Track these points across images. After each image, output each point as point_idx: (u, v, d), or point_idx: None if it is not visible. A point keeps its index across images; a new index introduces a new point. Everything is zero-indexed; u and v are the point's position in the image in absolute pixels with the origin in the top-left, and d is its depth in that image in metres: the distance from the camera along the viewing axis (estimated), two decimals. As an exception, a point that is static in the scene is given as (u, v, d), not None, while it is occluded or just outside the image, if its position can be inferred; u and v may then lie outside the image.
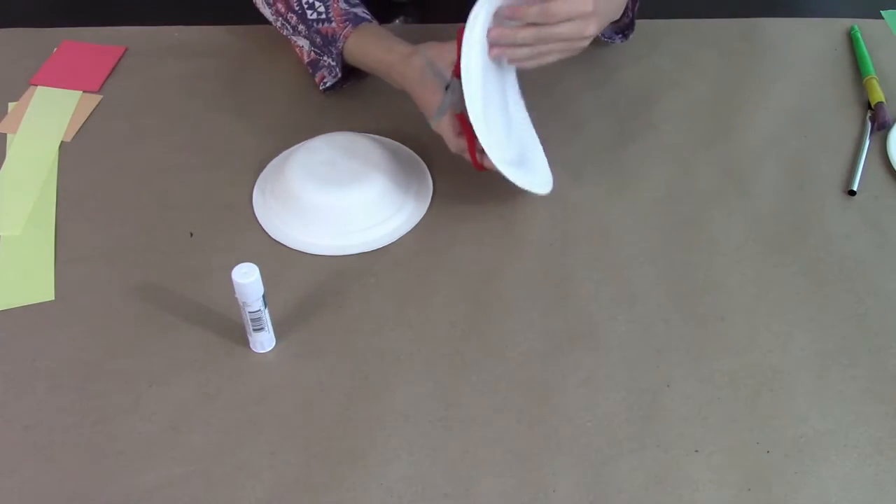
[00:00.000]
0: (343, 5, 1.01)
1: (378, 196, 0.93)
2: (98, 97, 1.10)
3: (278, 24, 1.06)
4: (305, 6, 1.01)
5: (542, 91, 1.11)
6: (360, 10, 1.02)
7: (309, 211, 0.92)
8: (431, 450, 0.77)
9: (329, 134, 0.98)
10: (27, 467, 0.76)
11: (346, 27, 0.99)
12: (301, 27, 1.02)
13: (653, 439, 0.78)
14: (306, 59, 1.06)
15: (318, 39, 1.01)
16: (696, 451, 0.77)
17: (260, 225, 0.95)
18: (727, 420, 0.79)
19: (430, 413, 0.79)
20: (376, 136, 1.02)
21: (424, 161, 1.01)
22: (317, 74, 1.05)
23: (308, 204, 0.92)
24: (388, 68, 0.97)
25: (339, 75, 1.02)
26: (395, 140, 1.03)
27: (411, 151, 1.02)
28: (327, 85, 1.05)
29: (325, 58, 1.03)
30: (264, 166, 1.00)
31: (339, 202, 0.92)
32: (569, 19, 0.86)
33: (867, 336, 0.86)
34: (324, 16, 1.00)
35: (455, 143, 0.93)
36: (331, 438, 0.78)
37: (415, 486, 0.75)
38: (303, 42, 1.04)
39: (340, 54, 1.00)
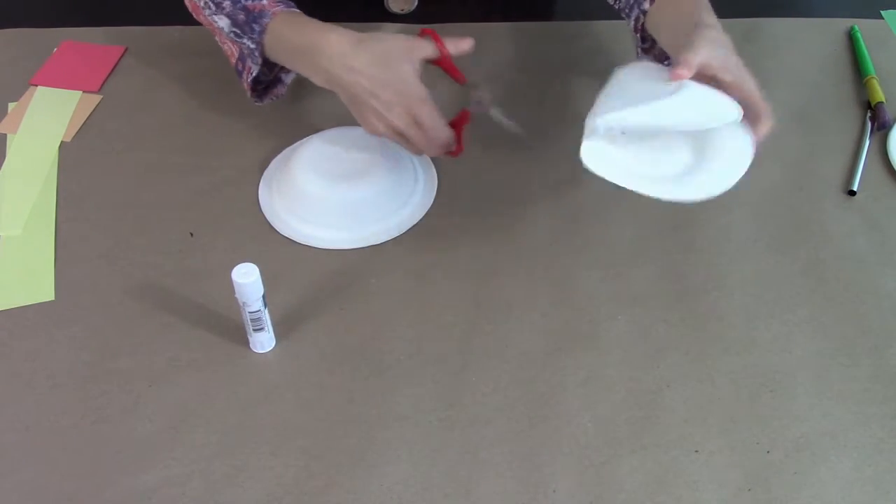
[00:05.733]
0: None
1: (384, 190, 0.93)
2: (98, 97, 1.10)
3: (201, 3, 0.97)
4: None
5: (545, 92, 1.11)
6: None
7: (314, 204, 0.92)
8: (432, 450, 0.77)
9: (337, 128, 0.98)
10: (27, 467, 0.76)
11: (276, 6, 0.93)
12: (226, 3, 0.95)
13: (653, 439, 0.78)
14: (233, 60, 0.98)
15: (241, 16, 0.93)
16: (696, 451, 0.77)
17: (260, 225, 0.95)
18: (727, 420, 0.79)
19: (430, 413, 0.79)
20: None
21: (430, 157, 1.01)
22: (244, 72, 0.96)
23: (314, 197, 0.92)
24: (320, 50, 0.88)
25: (260, 61, 0.94)
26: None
27: None
28: (253, 75, 0.95)
29: (244, 40, 0.94)
30: (265, 166, 1.00)
31: (344, 196, 0.92)
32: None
33: (867, 336, 0.86)
34: None
35: (445, 143, 0.90)
36: (331, 439, 0.78)
37: (415, 487, 0.75)
38: (223, 23, 0.95)
39: (263, 32, 0.92)
